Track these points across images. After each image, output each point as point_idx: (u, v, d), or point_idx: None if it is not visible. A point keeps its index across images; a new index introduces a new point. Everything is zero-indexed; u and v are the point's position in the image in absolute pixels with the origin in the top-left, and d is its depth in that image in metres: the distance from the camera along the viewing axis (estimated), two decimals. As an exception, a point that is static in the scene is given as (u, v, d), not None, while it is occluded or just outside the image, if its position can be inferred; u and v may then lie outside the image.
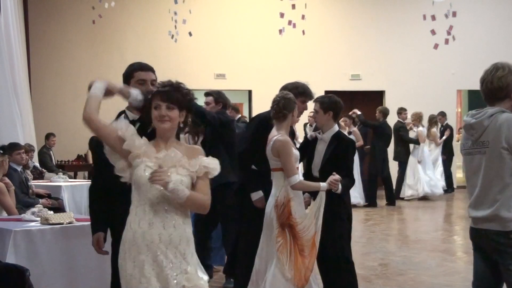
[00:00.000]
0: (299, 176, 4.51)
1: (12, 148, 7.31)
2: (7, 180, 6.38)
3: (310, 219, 4.48)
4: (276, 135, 4.52)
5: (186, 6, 12.73)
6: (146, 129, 3.11)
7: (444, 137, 13.92)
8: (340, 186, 4.52)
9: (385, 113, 12.64)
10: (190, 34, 13.04)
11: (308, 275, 4.42)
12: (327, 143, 4.75)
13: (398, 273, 6.65)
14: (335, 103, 4.78)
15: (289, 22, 12.41)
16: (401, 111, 13.28)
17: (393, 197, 12.40)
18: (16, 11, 10.51)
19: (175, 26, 12.83)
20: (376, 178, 12.34)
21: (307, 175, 4.86)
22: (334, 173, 4.51)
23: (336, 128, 4.80)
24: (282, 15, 12.33)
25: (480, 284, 3.58)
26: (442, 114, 14.46)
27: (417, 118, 13.22)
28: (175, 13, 12.58)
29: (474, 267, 3.62)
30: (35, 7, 13.71)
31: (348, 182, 4.69)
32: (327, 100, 4.78)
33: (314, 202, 4.58)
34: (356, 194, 11.62)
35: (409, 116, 13.51)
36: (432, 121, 13.77)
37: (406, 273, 6.66)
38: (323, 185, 4.49)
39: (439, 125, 14.16)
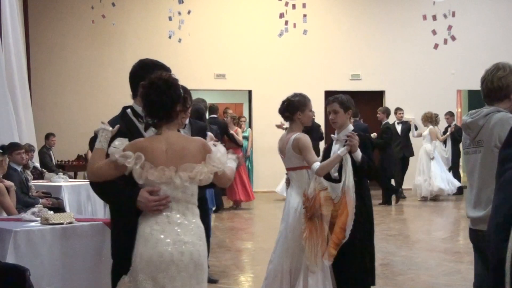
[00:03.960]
0: (318, 163, 4.53)
1: (12, 148, 7.31)
2: (7, 182, 6.36)
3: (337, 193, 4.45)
4: (292, 134, 4.65)
5: (186, 6, 12.73)
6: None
7: (448, 133, 13.86)
8: (357, 147, 4.44)
9: (388, 112, 12.65)
10: (189, 34, 13.05)
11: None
12: (343, 143, 4.68)
13: (398, 273, 6.65)
14: (352, 101, 4.74)
15: (286, 23, 12.42)
16: (397, 111, 13.48)
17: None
18: (16, 11, 10.49)
19: (180, 27, 12.85)
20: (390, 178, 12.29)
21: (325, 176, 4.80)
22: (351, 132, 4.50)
23: (351, 127, 4.74)
24: (281, 15, 12.33)
25: (480, 286, 3.57)
26: (450, 114, 14.41)
27: (427, 118, 13.31)
28: (179, 13, 12.58)
29: (475, 268, 3.62)
30: (35, 8, 13.72)
31: (371, 164, 4.55)
32: (346, 99, 4.73)
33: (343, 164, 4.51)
34: None
35: (406, 116, 13.64)
36: (433, 119, 13.80)
37: (406, 273, 6.66)
38: (341, 150, 4.44)
39: (438, 123, 14.12)
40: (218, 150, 3.08)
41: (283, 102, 4.71)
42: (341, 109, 4.70)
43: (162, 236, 2.91)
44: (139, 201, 2.98)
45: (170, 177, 2.94)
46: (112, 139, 3.10)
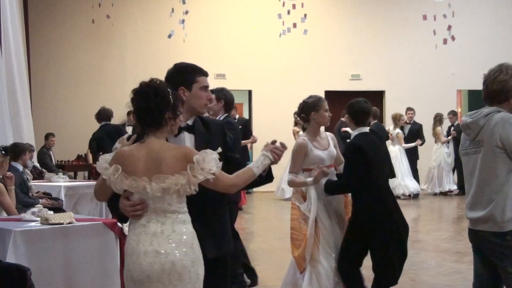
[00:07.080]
0: (292, 175, 4.77)
1: (23, 149, 7.40)
2: (11, 174, 6.33)
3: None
4: (300, 138, 4.86)
5: (186, 6, 12.73)
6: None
7: (450, 137, 13.77)
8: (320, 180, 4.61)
9: (376, 115, 12.55)
10: (186, 35, 13.07)
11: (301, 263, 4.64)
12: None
13: (398, 273, 6.64)
14: (348, 106, 4.83)
15: (284, 23, 12.42)
16: (407, 111, 13.54)
17: None
18: (16, 11, 10.49)
19: (183, 27, 12.86)
20: None
21: None
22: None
23: (357, 131, 4.75)
24: (281, 15, 12.34)
25: (480, 286, 3.58)
26: (453, 113, 14.30)
27: (394, 119, 13.15)
28: (184, 13, 12.59)
29: (474, 268, 3.62)
30: (35, 7, 13.71)
31: (337, 182, 4.69)
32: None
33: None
34: None
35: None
36: (436, 119, 13.76)
37: (406, 273, 6.64)
38: (309, 180, 4.66)
39: (442, 123, 14.05)
40: (204, 156, 2.91)
41: (300, 104, 4.91)
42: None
43: (137, 246, 2.91)
44: (120, 208, 2.97)
45: (144, 187, 2.89)
46: None
